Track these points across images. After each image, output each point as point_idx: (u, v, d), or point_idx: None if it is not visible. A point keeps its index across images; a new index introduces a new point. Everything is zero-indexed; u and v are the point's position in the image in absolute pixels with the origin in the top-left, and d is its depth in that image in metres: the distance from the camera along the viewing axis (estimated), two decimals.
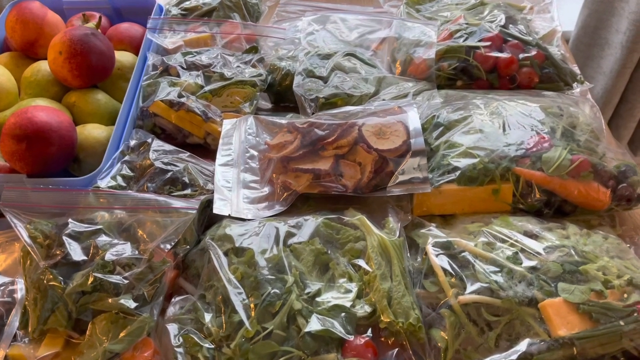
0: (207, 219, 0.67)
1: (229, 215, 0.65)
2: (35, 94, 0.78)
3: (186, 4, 0.94)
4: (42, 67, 0.80)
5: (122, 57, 0.84)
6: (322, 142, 0.69)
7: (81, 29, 0.77)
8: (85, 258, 0.56)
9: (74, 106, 0.77)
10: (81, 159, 0.72)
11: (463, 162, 0.67)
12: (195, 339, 0.55)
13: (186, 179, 0.67)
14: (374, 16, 0.94)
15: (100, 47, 0.77)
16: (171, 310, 0.58)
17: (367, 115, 0.72)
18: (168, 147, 0.72)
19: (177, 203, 0.61)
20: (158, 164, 0.68)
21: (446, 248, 0.59)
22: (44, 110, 0.67)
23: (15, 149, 0.65)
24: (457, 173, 0.66)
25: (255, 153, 0.73)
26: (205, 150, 0.80)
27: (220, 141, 0.74)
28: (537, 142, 0.67)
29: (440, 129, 0.72)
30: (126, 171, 0.69)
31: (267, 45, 0.92)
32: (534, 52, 0.84)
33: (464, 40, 0.84)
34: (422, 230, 0.63)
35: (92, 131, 0.73)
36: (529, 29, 0.90)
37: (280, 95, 0.86)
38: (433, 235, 0.61)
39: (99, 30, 0.87)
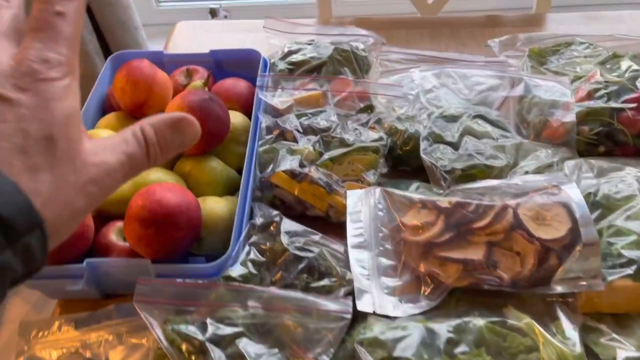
0: None
1: (374, 312, 0.59)
2: None
3: (293, 58, 0.88)
4: None
5: (233, 118, 0.79)
6: (472, 225, 0.62)
7: (198, 93, 0.72)
8: None
9: (189, 176, 0.72)
10: (203, 237, 0.67)
11: (638, 254, 0.59)
12: None
13: (322, 267, 0.61)
14: (495, 70, 0.87)
15: (219, 112, 0.72)
16: None
17: (515, 193, 0.65)
18: (297, 227, 0.66)
19: (328, 304, 0.55)
20: (292, 249, 0.62)
21: None
22: (172, 191, 0.62)
23: (142, 234, 0.60)
24: (634, 267, 0.58)
25: (388, 232, 0.67)
26: (326, 222, 0.74)
27: (348, 218, 0.68)
28: None
29: (599, 210, 0.64)
30: (255, 255, 0.63)
31: (379, 101, 0.86)
32: None
33: (606, 101, 0.76)
34: (602, 340, 0.55)
35: (214, 206, 0.68)
36: None
37: (400, 159, 0.79)
38: (619, 346, 0.53)
39: (207, 88, 0.83)
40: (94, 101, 0.85)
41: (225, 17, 1.81)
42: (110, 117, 0.81)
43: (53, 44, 0.30)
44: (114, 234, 0.67)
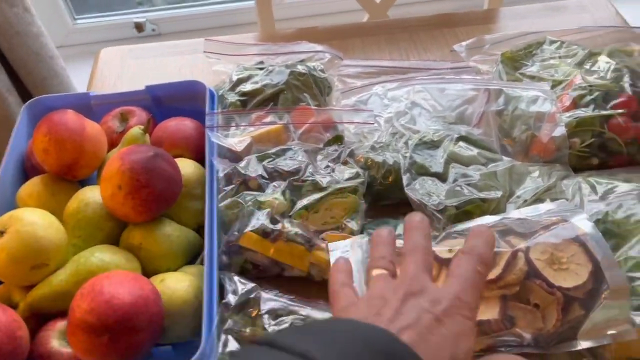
0: None
1: None
2: (86, 236, 0.62)
3: (244, 87, 0.77)
4: (90, 198, 0.63)
5: (184, 169, 0.67)
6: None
7: (141, 150, 0.60)
8: None
9: (140, 249, 0.61)
10: (166, 327, 0.55)
11: None
12: None
13: None
14: (469, 81, 0.79)
15: (168, 170, 0.61)
16: None
17: (522, 232, 0.57)
18: (279, 301, 0.56)
19: None
20: None
21: None
22: (124, 284, 0.50)
23: (93, 345, 0.48)
24: None
25: None
26: (307, 281, 0.64)
27: None
28: None
29: (613, 240, 0.58)
30: (235, 347, 0.53)
31: (345, 127, 0.76)
32: None
33: (594, 109, 0.70)
34: None
35: (176, 287, 0.57)
36: None
37: (380, 194, 0.71)
38: None
39: (148, 134, 0.71)
40: (12, 162, 0.71)
41: (154, 30, 1.64)
42: (34, 184, 0.67)
43: (471, 291, 0.41)
44: (55, 338, 0.54)
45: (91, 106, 0.77)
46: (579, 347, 0.51)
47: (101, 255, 0.58)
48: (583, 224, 0.56)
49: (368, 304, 0.41)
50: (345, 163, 0.70)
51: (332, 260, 0.60)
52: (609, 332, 0.51)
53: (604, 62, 0.76)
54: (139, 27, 1.60)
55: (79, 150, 0.65)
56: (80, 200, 0.63)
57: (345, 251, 0.60)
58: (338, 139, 0.73)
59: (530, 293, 0.53)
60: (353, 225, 0.64)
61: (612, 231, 0.59)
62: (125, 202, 0.59)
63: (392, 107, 0.77)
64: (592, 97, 0.71)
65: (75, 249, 0.61)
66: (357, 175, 0.68)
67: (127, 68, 0.97)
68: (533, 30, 0.87)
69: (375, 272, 0.45)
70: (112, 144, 0.72)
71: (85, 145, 0.66)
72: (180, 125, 0.74)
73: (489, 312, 0.53)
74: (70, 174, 0.67)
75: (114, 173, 0.59)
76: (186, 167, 0.68)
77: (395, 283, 0.42)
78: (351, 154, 0.71)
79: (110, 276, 0.52)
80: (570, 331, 0.52)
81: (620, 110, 0.69)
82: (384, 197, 0.71)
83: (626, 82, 0.72)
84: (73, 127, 0.65)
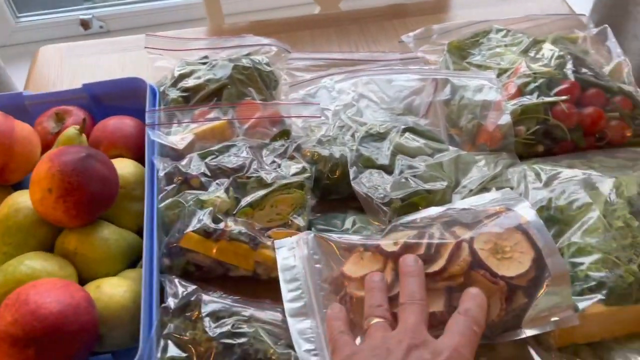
0: None
1: None
2: (17, 243, 0.58)
3: (186, 83, 0.75)
4: (22, 203, 0.60)
5: (123, 169, 0.65)
6: (426, 271, 0.53)
7: (72, 151, 0.58)
8: None
9: (75, 255, 0.58)
10: (103, 335, 0.53)
11: (607, 275, 0.53)
12: None
13: (260, 354, 0.50)
14: (416, 72, 0.78)
15: (101, 171, 0.58)
16: None
17: (466, 222, 0.57)
18: (222, 304, 0.54)
19: None
20: (219, 337, 0.50)
21: None
22: (51, 292, 0.48)
23: (19, 358, 0.45)
24: (604, 291, 0.52)
25: (330, 287, 0.56)
26: (254, 280, 0.62)
27: (281, 277, 0.57)
28: None
29: (556, 226, 0.58)
30: (175, 352, 0.50)
31: (293, 122, 0.75)
32: (618, 100, 0.71)
33: (538, 96, 0.70)
34: None
35: (113, 293, 0.54)
36: (597, 67, 0.77)
37: (329, 189, 0.69)
38: None
39: (84, 135, 0.68)
40: None
41: (101, 27, 1.59)
42: None
43: (469, 346, 0.44)
44: None
45: (25, 107, 0.74)
46: (524, 336, 0.51)
47: (31, 263, 0.55)
48: (526, 212, 0.56)
49: (373, 354, 0.43)
50: (291, 158, 0.68)
51: (278, 258, 0.59)
52: (553, 319, 0.51)
53: (548, 50, 0.77)
54: (85, 24, 1.54)
55: (8, 153, 0.62)
56: (10, 205, 0.60)
57: (292, 248, 0.59)
58: (285, 134, 0.71)
59: (474, 283, 0.52)
60: (300, 221, 0.63)
61: (555, 217, 0.59)
62: (56, 206, 0.56)
63: (339, 100, 0.76)
64: (536, 84, 0.71)
65: (5, 257, 0.58)
66: (303, 170, 0.66)
67: (67, 67, 0.93)
68: (481, 19, 0.87)
69: (374, 320, 0.47)
70: (48, 146, 0.69)
71: (15, 148, 0.62)
72: (119, 124, 0.71)
73: (434, 305, 0.52)
74: (1, 179, 0.63)
75: (43, 175, 0.56)
76: (125, 167, 0.66)
77: (398, 333, 0.44)
78: (298, 149, 0.69)
79: (37, 285, 0.49)
80: (514, 320, 0.52)
81: (563, 97, 0.70)
82: (332, 192, 0.69)
83: (569, 68, 0.72)
84: (1, 130, 0.62)
